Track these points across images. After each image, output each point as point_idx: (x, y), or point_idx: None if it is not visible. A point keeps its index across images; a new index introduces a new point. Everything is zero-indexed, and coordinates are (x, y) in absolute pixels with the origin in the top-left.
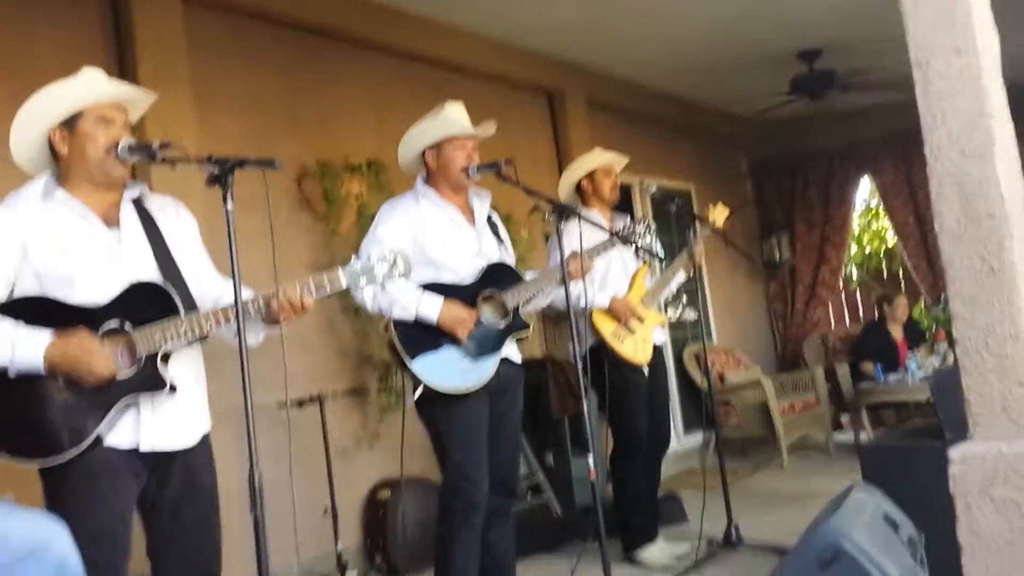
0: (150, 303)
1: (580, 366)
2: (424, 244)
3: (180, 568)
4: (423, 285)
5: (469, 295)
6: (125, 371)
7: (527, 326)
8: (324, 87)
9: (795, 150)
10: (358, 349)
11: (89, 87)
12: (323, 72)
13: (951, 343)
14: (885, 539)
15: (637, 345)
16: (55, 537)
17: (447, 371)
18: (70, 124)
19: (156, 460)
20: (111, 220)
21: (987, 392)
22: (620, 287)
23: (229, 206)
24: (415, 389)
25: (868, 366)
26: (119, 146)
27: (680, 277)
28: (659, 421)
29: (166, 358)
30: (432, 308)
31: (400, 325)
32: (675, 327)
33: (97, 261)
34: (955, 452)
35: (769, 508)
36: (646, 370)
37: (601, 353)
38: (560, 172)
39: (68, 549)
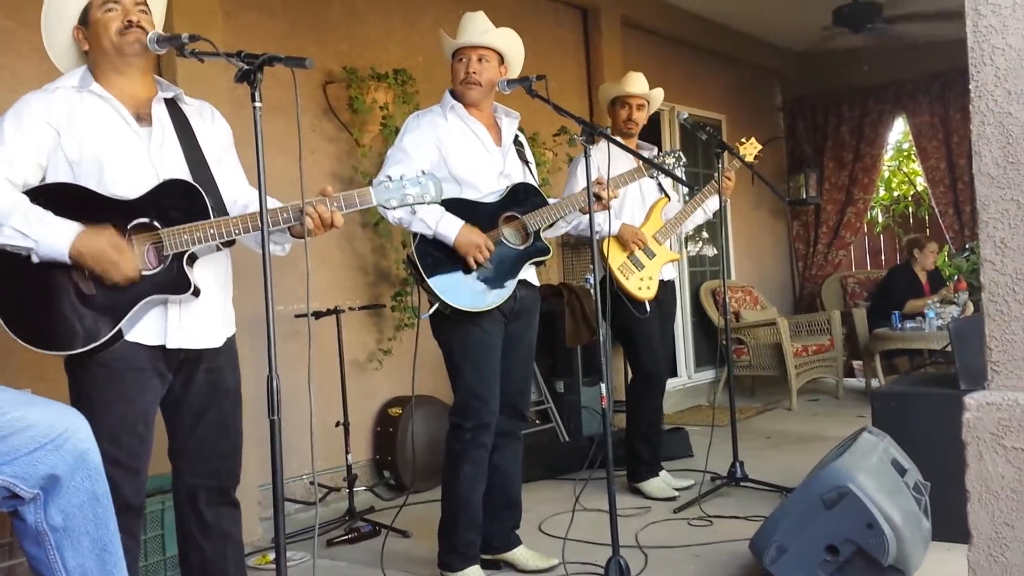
0: (180, 202)
1: (597, 294)
2: (448, 159)
3: (201, 470)
4: (446, 200)
5: (491, 214)
6: (151, 270)
7: (547, 250)
8: None
9: (831, 86)
10: (376, 265)
11: None
12: None
13: (972, 293)
14: (891, 483)
15: (643, 281)
16: (76, 428)
17: (463, 290)
18: (84, 20)
19: (182, 360)
20: (143, 118)
21: (1010, 340)
22: (636, 218)
23: (258, 103)
24: (431, 306)
25: (918, 303)
26: (148, 37)
27: (712, 203)
28: None
29: (192, 260)
30: (451, 229)
31: (420, 241)
32: (694, 263)
33: (128, 156)
34: (971, 399)
35: (775, 448)
36: (648, 306)
37: (607, 285)
38: (590, 93)
39: (88, 441)
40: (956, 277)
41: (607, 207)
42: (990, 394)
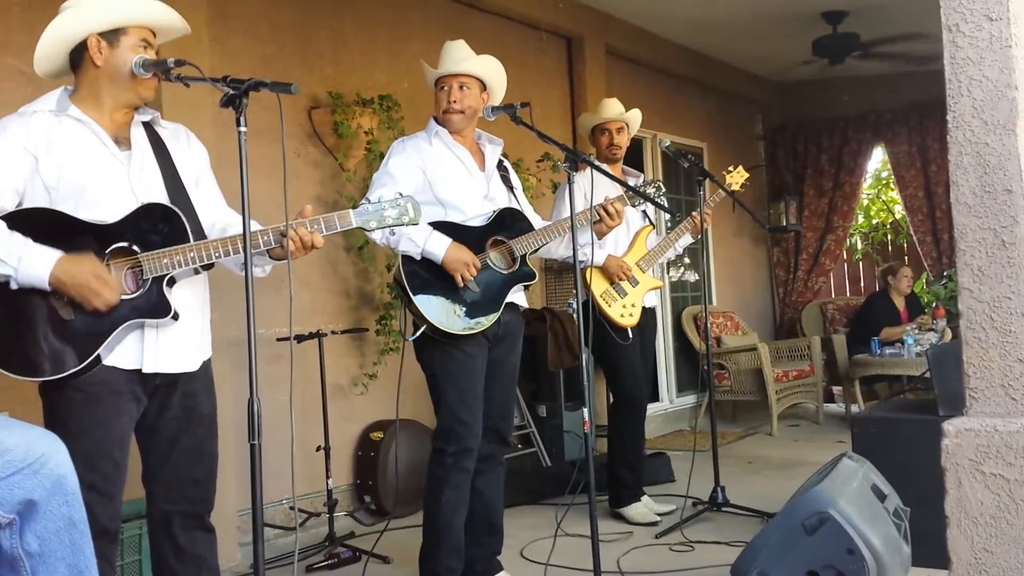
0: (159, 226)
1: (580, 319)
2: (433, 182)
3: (175, 495)
4: (434, 223)
5: (478, 237)
6: (130, 294)
7: (533, 275)
8: (340, 16)
9: (811, 115)
10: (359, 289)
11: (140, 4)
12: (339, 0)
13: (950, 320)
14: (871, 509)
15: (625, 308)
16: (54, 452)
17: (450, 312)
18: (111, 37)
19: (157, 385)
20: (122, 141)
21: (987, 367)
22: (620, 245)
23: (243, 128)
24: (416, 328)
25: (894, 331)
26: (134, 61)
27: (686, 239)
28: None
29: (171, 283)
30: (439, 247)
31: (407, 261)
32: (676, 288)
33: (107, 179)
34: (950, 426)
35: (756, 473)
36: (630, 332)
37: (590, 310)
38: (574, 121)
39: (66, 466)
40: (934, 304)
41: (609, 228)
42: (968, 420)
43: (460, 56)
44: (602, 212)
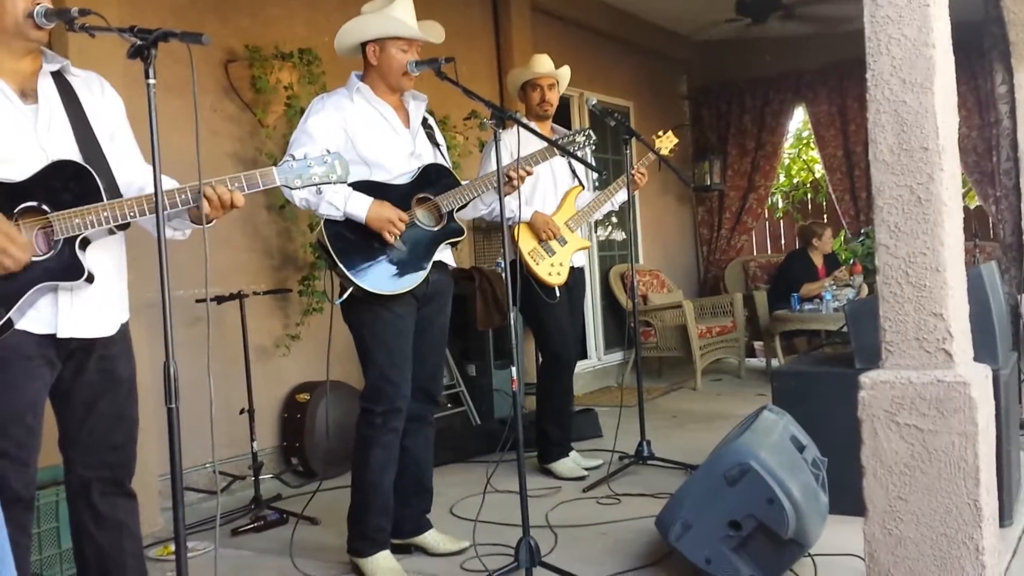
0: (70, 184)
1: (508, 278)
2: (356, 141)
3: (93, 461)
4: (357, 183)
5: (403, 196)
6: (41, 255)
7: (461, 231)
8: None
9: (734, 75)
10: (281, 248)
11: None
12: None
13: (866, 276)
14: (790, 460)
15: (553, 267)
16: None
17: (377, 273)
18: None
19: (73, 349)
20: (28, 94)
21: (902, 321)
22: (548, 204)
23: (151, 80)
24: (343, 291)
25: (813, 286)
26: (35, 11)
27: (621, 196)
28: None
29: (85, 244)
30: (360, 207)
31: (330, 223)
32: (604, 247)
33: (13, 136)
34: (866, 378)
35: (680, 427)
36: (558, 291)
37: (517, 269)
38: (500, 78)
39: None
40: (852, 261)
41: (516, 188)
42: (884, 373)
43: (414, 20)
44: (512, 174)
